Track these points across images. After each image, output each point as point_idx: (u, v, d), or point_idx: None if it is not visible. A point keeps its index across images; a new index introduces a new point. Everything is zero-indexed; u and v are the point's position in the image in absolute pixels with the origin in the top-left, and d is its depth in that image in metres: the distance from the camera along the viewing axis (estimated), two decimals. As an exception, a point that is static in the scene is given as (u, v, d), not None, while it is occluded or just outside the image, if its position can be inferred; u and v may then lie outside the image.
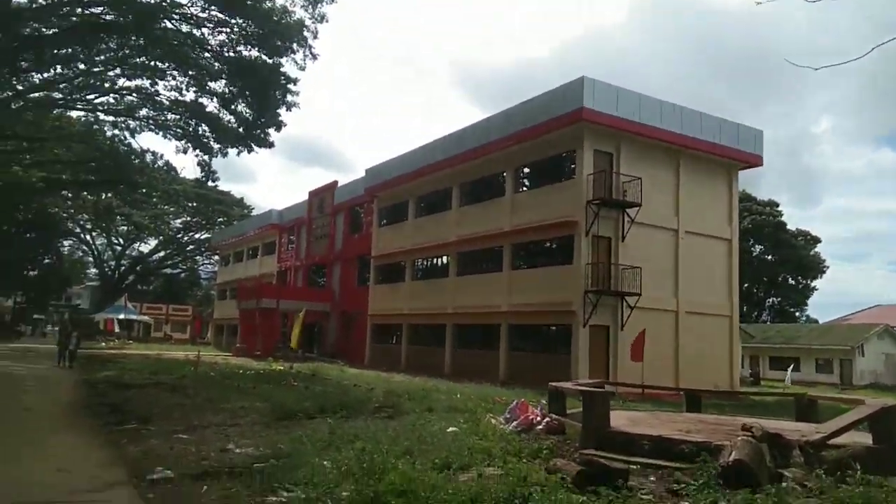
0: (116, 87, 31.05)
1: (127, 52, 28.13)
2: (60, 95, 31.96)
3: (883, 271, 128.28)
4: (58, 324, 62.97)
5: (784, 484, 7.29)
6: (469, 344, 31.40)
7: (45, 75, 30.01)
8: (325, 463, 7.58)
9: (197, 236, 78.54)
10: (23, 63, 27.79)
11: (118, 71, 29.90)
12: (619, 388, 18.90)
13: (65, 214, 58.50)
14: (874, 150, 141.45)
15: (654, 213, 26.49)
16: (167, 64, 28.43)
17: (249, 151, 30.62)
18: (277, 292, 44.61)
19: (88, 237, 74.09)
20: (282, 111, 29.12)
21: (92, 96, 32.26)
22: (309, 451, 8.40)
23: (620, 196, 25.55)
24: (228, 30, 26.76)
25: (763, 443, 7.95)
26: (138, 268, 79.92)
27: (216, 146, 30.87)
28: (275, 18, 25.71)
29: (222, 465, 8.19)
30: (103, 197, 50.80)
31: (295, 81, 28.45)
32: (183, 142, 31.43)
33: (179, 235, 78.44)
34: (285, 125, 29.53)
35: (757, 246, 64.43)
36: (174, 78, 29.25)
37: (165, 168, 40.51)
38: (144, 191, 46.12)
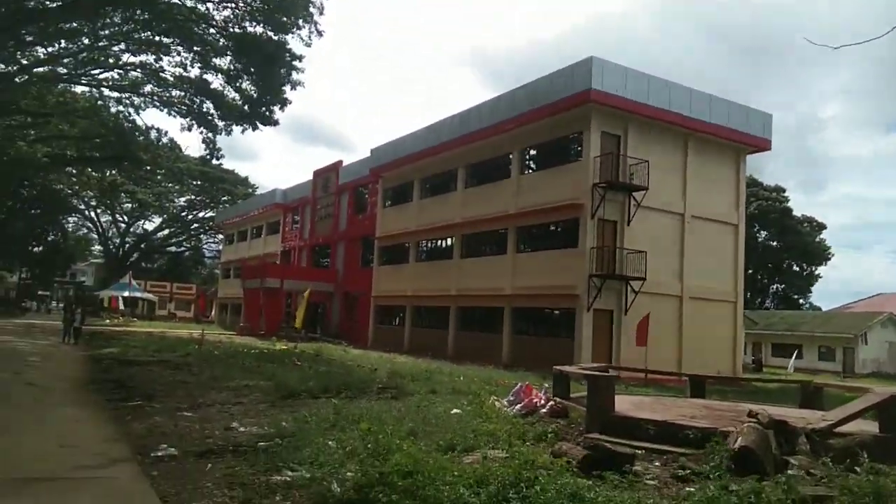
0: (121, 62, 30.89)
1: (132, 26, 27.91)
2: (65, 70, 31.78)
3: (887, 260, 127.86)
4: (62, 300, 63.40)
5: (790, 471, 7.26)
6: (472, 326, 31.41)
7: (50, 49, 29.82)
8: (329, 443, 7.56)
9: (201, 215, 78.68)
10: (27, 36, 27.57)
11: (123, 46, 29.73)
12: (622, 372, 18.87)
13: (69, 191, 58.48)
14: (882, 136, 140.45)
15: (660, 197, 26.31)
16: (172, 39, 28.22)
17: (254, 129, 30.51)
18: (281, 272, 44.65)
19: (93, 214, 74.32)
20: (287, 89, 28.95)
21: (96, 71, 32.11)
22: (313, 431, 8.39)
23: (627, 179, 25.37)
24: (234, 5, 26.51)
25: (769, 430, 7.90)
26: (143, 245, 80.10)
27: (221, 124, 30.75)
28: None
29: (226, 443, 8.20)
30: (108, 174, 50.69)
31: (300, 58, 28.26)
32: (188, 119, 31.29)
33: (184, 213, 78.55)
34: (290, 103, 29.37)
35: (762, 232, 64.13)
36: (179, 54, 29.12)
37: (170, 145, 40.38)
38: (149, 168, 46.01)
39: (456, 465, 6.19)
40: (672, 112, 26.54)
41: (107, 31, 28.76)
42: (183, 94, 31.30)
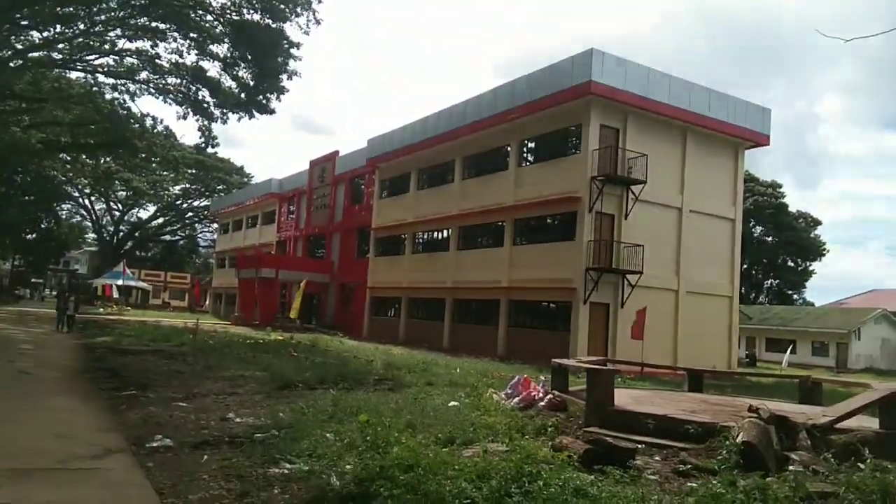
0: (117, 48, 30.60)
1: (128, 12, 27.61)
2: (60, 56, 31.43)
3: (881, 256, 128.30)
4: (56, 288, 63.10)
5: (791, 467, 7.21)
6: (468, 319, 31.35)
7: (45, 34, 29.49)
8: (327, 435, 7.48)
9: (196, 203, 78.30)
10: (22, 20, 27.25)
11: (119, 32, 29.46)
12: (619, 365, 18.84)
13: (63, 178, 58.05)
14: (877, 132, 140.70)
15: (658, 191, 26.24)
16: (168, 25, 27.92)
17: (251, 118, 30.32)
18: (277, 262, 44.49)
19: (87, 201, 73.85)
20: (283, 78, 28.73)
21: (92, 57, 31.82)
22: (311, 423, 8.30)
23: (625, 172, 25.29)
24: (231, -9, 26.26)
25: (770, 425, 7.85)
26: (137, 234, 79.72)
27: (217, 111, 30.53)
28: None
29: (222, 434, 8.11)
30: (102, 161, 50.34)
31: (298, 45, 28.04)
32: (183, 107, 31.07)
33: (178, 202, 78.14)
34: (287, 91, 29.20)
35: (758, 227, 64.18)
36: (175, 40, 28.84)
37: (165, 133, 40.08)
38: (144, 156, 45.68)
39: (456, 459, 6.11)
40: (671, 106, 26.45)
41: (102, 17, 28.47)
42: (179, 81, 31.04)
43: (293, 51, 28.00)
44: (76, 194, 70.18)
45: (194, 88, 30.70)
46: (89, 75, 33.77)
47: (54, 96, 33.14)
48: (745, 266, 50.95)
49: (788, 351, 37.38)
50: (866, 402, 8.64)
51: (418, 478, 5.26)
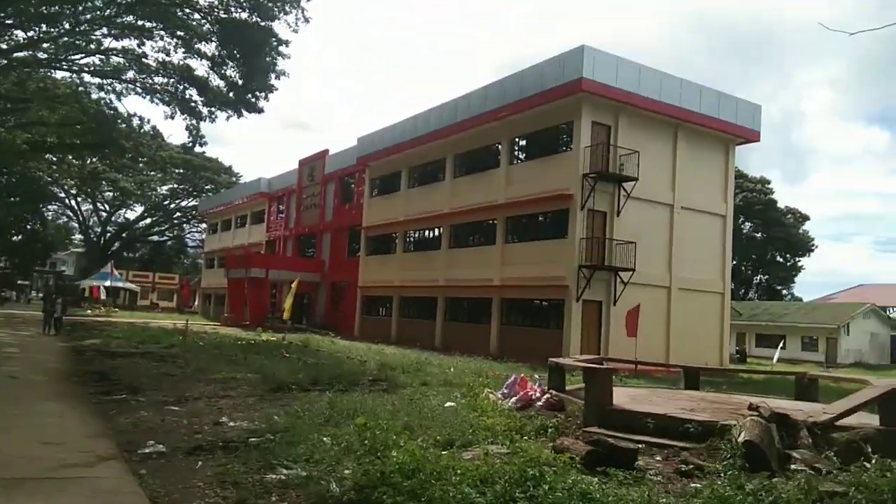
0: (103, 47, 30.17)
1: (113, 10, 27.24)
2: (45, 55, 30.99)
3: (868, 251, 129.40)
4: (43, 290, 62.40)
5: (794, 466, 7.14)
6: (460, 317, 31.24)
7: (30, 34, 29.03)
8: (324, 439, 7.34)
9: (184, 204, 77.68)
10: (6, 19, 26.83)
11: (104, 31, 29.03)
12: (614, 364, 18.79)
13: (49, 178, 57.41)
14: (864, 128, 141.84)
15: (650, 188, 26.22)
16: (154, 24, 27.58)
17: (239, 116, 30.08)
18: (267, 262, 44.17)
19: (74, 202, 73.06)
20: (272, 76, 28.49)
21: (77, 57, 31.35)
22: (307, 426, 8.16)
23: (617, 170, 25.24)
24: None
25: (771, 423, 7.78)
26: (124, 234, 78.99)
27: (205, 110, 30.24)
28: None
29: (216, 438, 7.95)
30: (89, 161, 49.77)
31: (287, 43, 27.80)
32: (171, 106, 30.71)
33: (166, 202, 77.49)
34: (276, 90, 28.96)
35: (747, 223, 64.51)
36: (162, 38, 28.48)
37: (152, 133, 39.68)
38: (131, 156, 45.20)
39: (458, 463, 5.98)
40: (663, 102, 26.43)
41: (88, 15, 28.08)
42: (166, 80, 30.70)
43: (282, 48, 27.80)
44: (62, 195, 69.47)
45: (182, 87, 30.40)
46: (75, 75, 33.35)
47: (40, 96, 32.67)
48: (734, 262, 51.07)
49: (779, 347, 37.49)
50: (867, 399, 8.59)
51: (421, 483, 5.14)
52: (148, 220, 79.27)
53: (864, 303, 50.40)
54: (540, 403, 10.64)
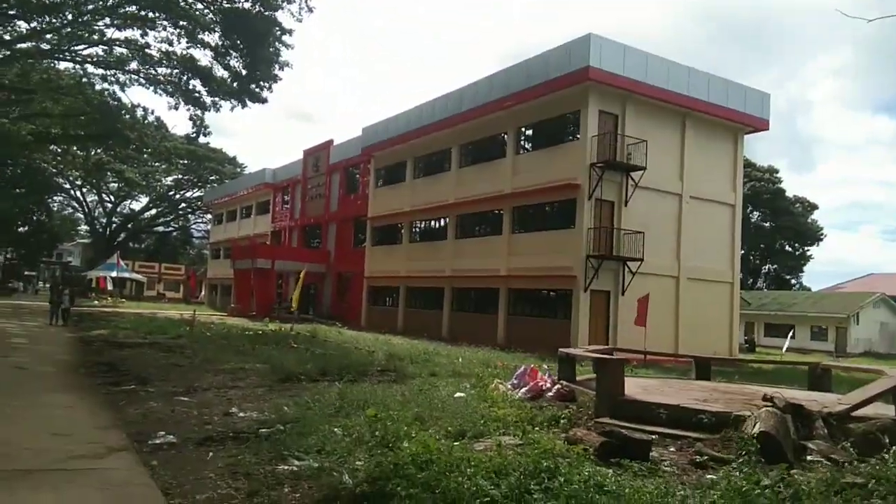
0: (106, 38, 30.04)
1: (116, 0, 27.09)
2: (48, 46, 30.89)
3: (876, 240, 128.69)
4: (49, 280, 62.61)
5: (810, 457, 7.05)
6: (467, 307, 31.17)
7: (32, 24, 28.94)
8: (335, 430, 7.28)
9: (189, 194, 77.73)
10: (8, 10, 26.72)
11: (107, 21, 28.90)
12: (625, 354, 18.71)
13: (54, 170, 57.47)
14: (872, 116, 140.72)
15: (658, 177, 26.01)
16: (157, 14, 27.44)
17: (243, 106, 30.01)
18: (272, 252, 44.16)
19: (79, 193, 73.19)
20: (276, 66, 28.34)
21: (80, 47, 31.25)
22: (317, 417, 8.10)
23: (625, 159, 25.03)
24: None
25: (786, 414, 7.68)
26: (130, 225, 79.18)
27: (209, 100, 30.12)
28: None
29: (226, 429, 7.90)
30: (93, 152, 49.78)
31: (290, 32, 27.64)
32: (174, 97, 30.60)
33: (171, 193, 77.54)
34: (280, 80, 28.81)
35: (755, 212, 64.15)
36: (165, 29, 28.33)
37: (156, 124, 39.62)
38: (135, 146, 45.21)
39: (471, 454, 5.91)
40: (670, 91, 26.17)
41: (90, 6, 27.97)
42: (169, 71, 30.59)
43: (285, 38, 27.66)
44: (67, 186, 69.59)
45: (185, 78, 30.29)
46: (78, 66, 33.28)
47: (43, 87, 32.62)
48: (743, 251, 50.86)
49: (789, 336, 37.37)
50: (883, 390, 8.48)
51: (435, 475, 5.06)
52: (153, 211, 79.44)
53: (874, 292, 50.12)
54: (550, 394, 10.57)
